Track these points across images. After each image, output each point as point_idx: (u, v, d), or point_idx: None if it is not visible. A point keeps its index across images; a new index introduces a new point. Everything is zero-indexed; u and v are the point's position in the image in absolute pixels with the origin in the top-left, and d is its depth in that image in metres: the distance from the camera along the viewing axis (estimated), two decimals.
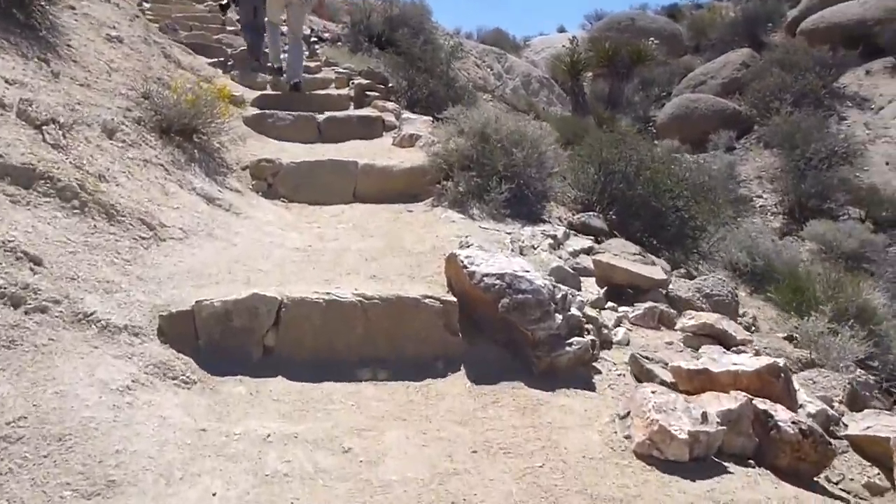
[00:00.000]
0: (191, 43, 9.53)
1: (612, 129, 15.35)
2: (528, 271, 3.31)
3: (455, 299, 3.37)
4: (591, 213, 6.19)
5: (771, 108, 16.81)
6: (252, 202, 5.26)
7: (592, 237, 5.78)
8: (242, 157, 5.90)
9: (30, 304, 2.86)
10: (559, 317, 3.24)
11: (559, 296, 3.31)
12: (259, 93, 7.87)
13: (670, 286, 4.58)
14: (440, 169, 5.59)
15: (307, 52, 11.09)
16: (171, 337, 3.08)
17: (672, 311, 4.26)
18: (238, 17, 10.16)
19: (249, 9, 9.32)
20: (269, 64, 8.90)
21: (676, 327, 4.03)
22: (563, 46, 21.38)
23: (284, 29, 8.73)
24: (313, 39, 12.59)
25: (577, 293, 3.78)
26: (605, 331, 3.78)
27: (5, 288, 2.83)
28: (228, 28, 11.50)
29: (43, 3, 5.39)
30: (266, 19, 8.48)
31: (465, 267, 3.33)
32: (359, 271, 3.87)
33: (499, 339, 3.34)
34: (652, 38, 22.43)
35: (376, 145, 6.72)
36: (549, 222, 5.58)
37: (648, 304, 4.22)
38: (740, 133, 17.73)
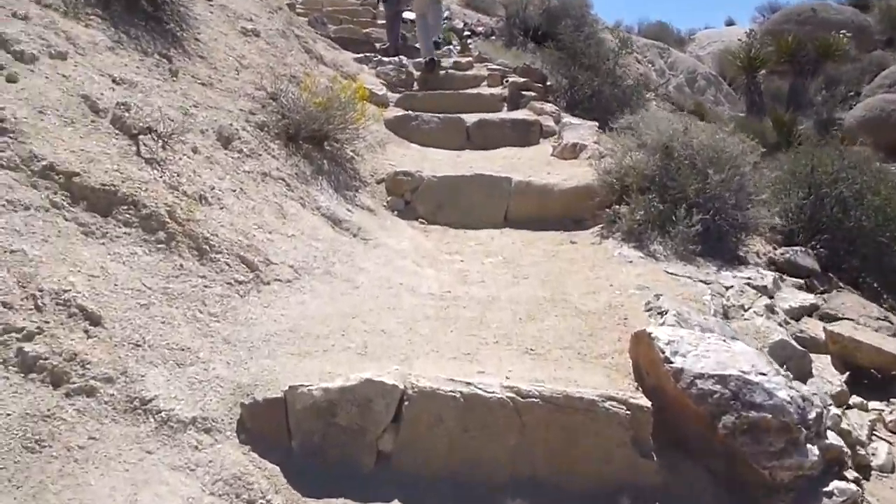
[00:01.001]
0: (338, 37, 9.05)
1: (793, 131, 13.57)
2: (764, 374, 2.21)
3: (648, 403, 2.33)
4: (797, 248, 4.91)
5: None
6: (385, 224, 4.44)
7: (802, 280, 4.56)
8: (379, 167, 5.11)
9: (73, 382, 2.14)
10: (813, 449, 2.13)
11: (812, 416, 2.19)
12: (404, 91, 7.12)
13: None
14: (612, 190, 4.52)
15: (458, 47, 10.40)
16: (255, 434, 2.26)
17: None
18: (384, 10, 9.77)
19: (393, 1, 8.98)
20: (420, 59, 8.20)
21: None
22: (739, 40, 19.40)
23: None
24: (466, 33, 11.91)
25: (829, 403, 2.62)
26: (861, 450, 2.62)
27: (46, 359, 2.13)
28: (379, 21, 10.98)
29: None
30: (414, 14, 7.92)
31: (668, 360, 2.28)
32: (510, 339, 2.90)
33: (713, 468, 2.28)
34: (843, 31, 19.90)
35: (533, 155, 5.74)
36: (748, 262, 4.38)
37: None
38: None
